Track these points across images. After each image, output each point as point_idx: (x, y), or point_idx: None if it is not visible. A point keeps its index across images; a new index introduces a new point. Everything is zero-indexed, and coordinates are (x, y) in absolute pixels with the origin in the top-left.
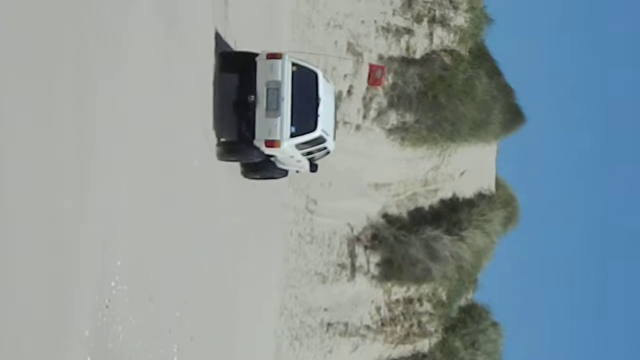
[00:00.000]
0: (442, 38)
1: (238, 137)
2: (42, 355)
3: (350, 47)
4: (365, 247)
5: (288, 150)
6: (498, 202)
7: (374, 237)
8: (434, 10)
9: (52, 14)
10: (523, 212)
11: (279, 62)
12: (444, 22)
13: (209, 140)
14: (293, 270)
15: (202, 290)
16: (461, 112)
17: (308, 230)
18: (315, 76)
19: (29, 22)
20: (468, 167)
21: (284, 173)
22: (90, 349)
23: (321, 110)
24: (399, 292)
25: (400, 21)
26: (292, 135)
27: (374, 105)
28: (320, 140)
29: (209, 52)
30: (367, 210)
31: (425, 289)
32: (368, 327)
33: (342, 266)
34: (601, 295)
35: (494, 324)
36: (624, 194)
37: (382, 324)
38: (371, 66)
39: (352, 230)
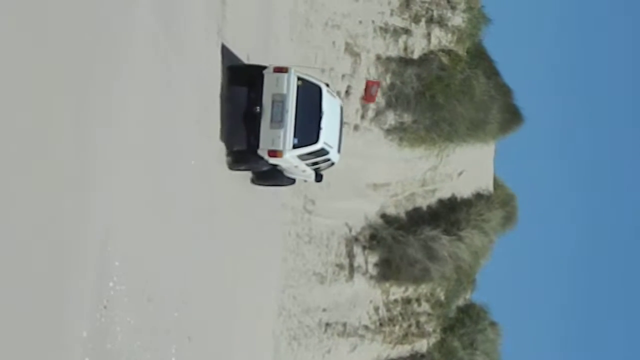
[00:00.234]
0: (440, 38)
1: (247, 147)
2: (41, 356)
3: (348, 47)
4: (364, 248)
5: (291, 161)
6: (496, 202)
7: (372, 237)
8: (432, 11)
9: (52, 14)
10: (521, 212)
11: (285, 75)
12: (441, 22)
13: (207, 141)
14: (291, 271)
15: (201, 291)
16: (459, 112)
17: (306, 230)
18: (319, 90)
19: (29, 22)
20: (466, 167)
21: (292, 181)
22: (89, 349)
23: (324, 123)
24: (397, 292)
25: (398, 21)
26: (295, 147)
27: (372, 105)
28: (322, 152)
29: (207, 53)
30: (366, 210)
31: (424, 289)
32: (366, 328)
33: (341, 266)
34: (600, 295)
35: (493, 324)
36: (623, 193)
37: (381, 324)
38: (368, 82)
39: (350, 230)
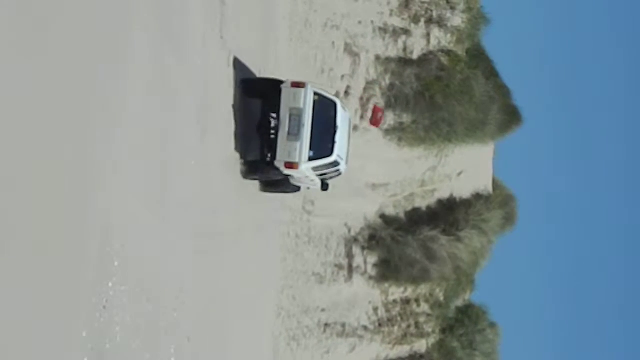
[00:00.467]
0: (440, 39)
1: (260, 157)
2: (41, 356)
3: (348, 48)
4: (363, 248)
5: (306, 172)
6: (495, 202)
7: (372, 237)
8: (431, 11)
9: (52, 14)
10: (520, 213)
11: (302, 90)
12: (441, 23)
13: (207, 141)
14: (290, 271)
15: (200, 291)
16: (458, 112)
17: (305, 230)
18: (334, 106)
19: (29, 23)
20: (465, 168)
21: (297, 189)
22: (88, 349)
23: (338, 137)
24: (397, 292)
25: (397, 22)
26: (310, 159)
27: (371, 105)
28: (335, 164)
29: (206, 53)
30: (365, 210)
31: (423, 289)
32: (365, 328)
33: (340, 267)
34: (600, 295)
35: (492, 325)
36: (623, 193)
37: (380, 325)
38: (375, 107)
39: (349, 230)
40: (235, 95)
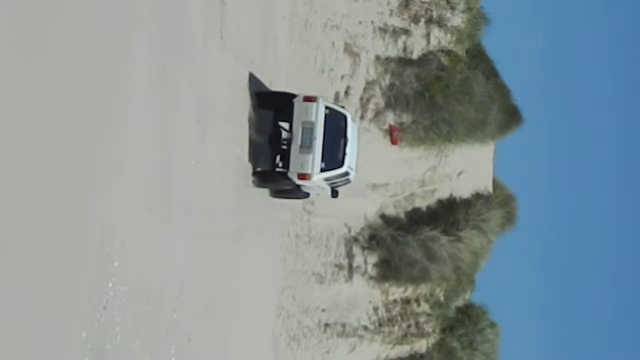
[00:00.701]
0: (439, 38)
1: (272, 167)
2: (40, 356)
3: (348, 48)
4: (363, 248)
5: (317, 182)
6: (495, 202)
7: (372, 237)
8: (431, 11)
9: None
10: (520, 213)
11: (314, 104)
12: (441, 23)
13: (208, 141)
14: (290, 271)
15: (200, 292)
16: (458, 112)
17: (305, 230)
18: (345, 119)
19: (29, 23)
20: (465, 168)
21: (307, 195)
22: (88, 350)
23: (348, 148)
24: (397, 292)
25: (397, 22)
26: (322, 170)
27: (371, 105)
28: (345, 174)
29: (205, 53)
30: (365, 210)
31: (423, 289)
32: (366, 328)
33: (340, 267)
34: (599, 295)
35: (492, 324)
36: (622, 193)
37: (380, 325)
38: (392, 128)
39: (349, 230)
40: (235, 96)
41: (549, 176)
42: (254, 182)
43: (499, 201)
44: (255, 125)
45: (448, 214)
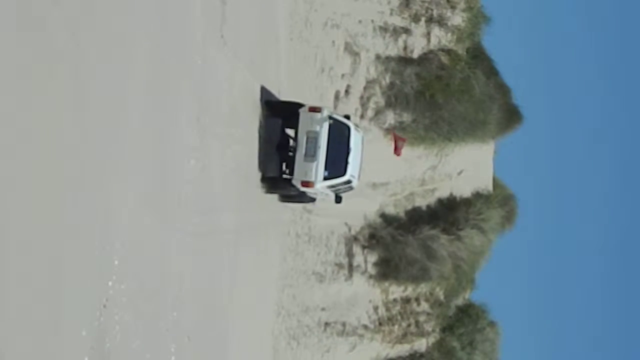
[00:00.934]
0: (440, 37)
1: (279, 174)
2: (40, 355)
3: (348, 47)
4: (363, 247)
5: (320, 189)
6: (495, 201)
7: (372, 236)
8: (432, 10)
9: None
10: (520, 212)
11: (318, 115)
12: (441, 22)
13: (208, 140)
14: (291, 270)
15: (200, 290)
16: (458, 111)
17: (306, 229)
18: (348, 129)
19: (29, 23)
20: (465, 167)
21: (313, 200)
22: (88, 348)
23: (351, 157)
24: (397, 291)
25: (397, 21)
26: (325, 178)
27: (371, 104)
28: (347, 182)
29: (205, 52)
30: (365, 209)
31: (423, 288)
32: (366, 327)
33: (340, 266)
34: (599, 295)
35: (491, 324)
36: (622, 192)
37: (380, 324)
38: (395, 136)
39: (349, 229)
40: (235, 95)
41: (549, 176)
42: (263, 188)
43: (498, 200)
44: (264, 133)
45: (448, 213)
